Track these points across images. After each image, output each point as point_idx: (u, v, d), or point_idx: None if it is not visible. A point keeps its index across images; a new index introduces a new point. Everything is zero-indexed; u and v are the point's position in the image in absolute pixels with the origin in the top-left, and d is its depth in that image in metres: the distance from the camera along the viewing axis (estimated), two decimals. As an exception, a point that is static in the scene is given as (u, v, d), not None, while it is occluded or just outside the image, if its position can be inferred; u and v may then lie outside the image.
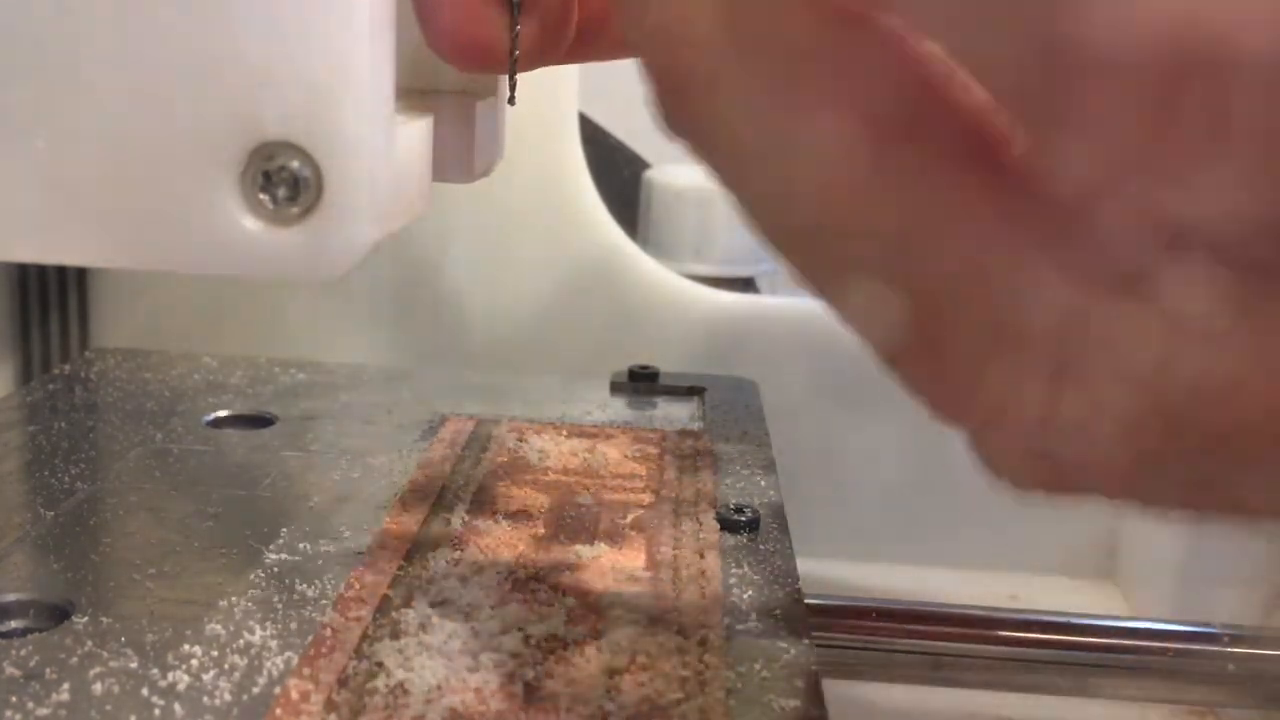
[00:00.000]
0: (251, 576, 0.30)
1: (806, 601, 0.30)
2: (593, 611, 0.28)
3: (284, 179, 0.19)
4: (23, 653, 0.25)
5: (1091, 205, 0.12)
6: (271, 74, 0.18)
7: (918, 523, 0.55)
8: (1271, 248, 0.11)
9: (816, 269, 0.14)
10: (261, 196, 0.19)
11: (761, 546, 0.33)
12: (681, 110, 0.15)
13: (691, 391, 0.47)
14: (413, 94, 0.28)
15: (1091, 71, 0.11)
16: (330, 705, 0.24)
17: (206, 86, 0.18)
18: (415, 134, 0.24)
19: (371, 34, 0.19)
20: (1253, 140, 0.11)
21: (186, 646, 0.26)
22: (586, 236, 0.58)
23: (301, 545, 0.31)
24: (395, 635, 0.26)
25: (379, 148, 0.19)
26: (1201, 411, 0.12)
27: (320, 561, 0.31)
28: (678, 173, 0.63)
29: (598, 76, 0.64)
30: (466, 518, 0.33)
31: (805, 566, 0.32)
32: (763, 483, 0.37)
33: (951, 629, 0.38)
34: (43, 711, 0.23)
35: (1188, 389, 0.12)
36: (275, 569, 0.30)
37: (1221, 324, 0.12)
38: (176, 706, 0.24)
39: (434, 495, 0.34)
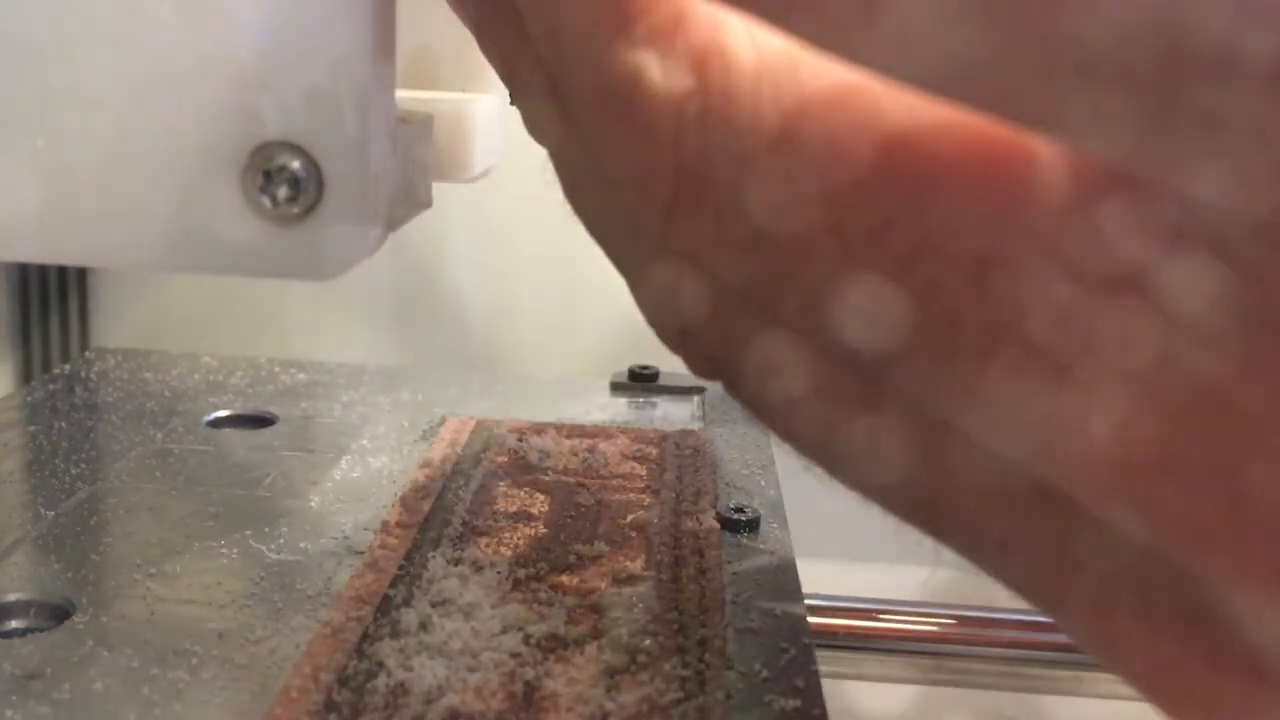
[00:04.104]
0: (252, 576, 0.30)
1: (806, 602, 0.30)
2: (593, 611, 0.28)
3: (284, 179, 0.19)
4: (24, 652, 0.26)
5: (1092, 205, 0.12)
6: (271, 74, 0.18)
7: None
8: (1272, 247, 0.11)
9: (814, 269, 0.14)
10: (261, 197, 0.19)
11: (761, 546, 0.33)
12: None
13: (691, 391, 0.47)
14: (413, 94, 0.28)
15: (1088, 71, 0.11)
16: (330, 704, 0.24)
17: (207, 87, 0.18)
18: (415, 134, 0.24)
19: (372, 34, 0.19)
20: (1251, 138, 0.11)
21: (187, 646, 0.26)
22: (587, 236, 0.58)
23: (302, 545, 0.32)
24: (395, 635, 0.26)
25: (379, 148, 0.19)
26: (1200, 411, 0.12)
27: (320, 561, 0.31)
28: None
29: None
30: (467, 518, 0.33)
31: (805, 566, 0.32)
32: (762, 482, 0.37)
33: (951, 629, 0.38)
34: (44, 710, 0.23)
35: (1186, 388, 0.12)
36: (275, 568, 0.30)
37: (1220, 324, 0.12)
38: (177, 706, 0.24)
39: (434, 495, 0.34)
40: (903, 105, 0.13)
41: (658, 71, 0.15)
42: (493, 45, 0.19)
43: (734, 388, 0.17)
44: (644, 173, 0.15)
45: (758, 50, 0.14)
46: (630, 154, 0.15)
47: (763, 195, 0.14)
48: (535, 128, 0.18)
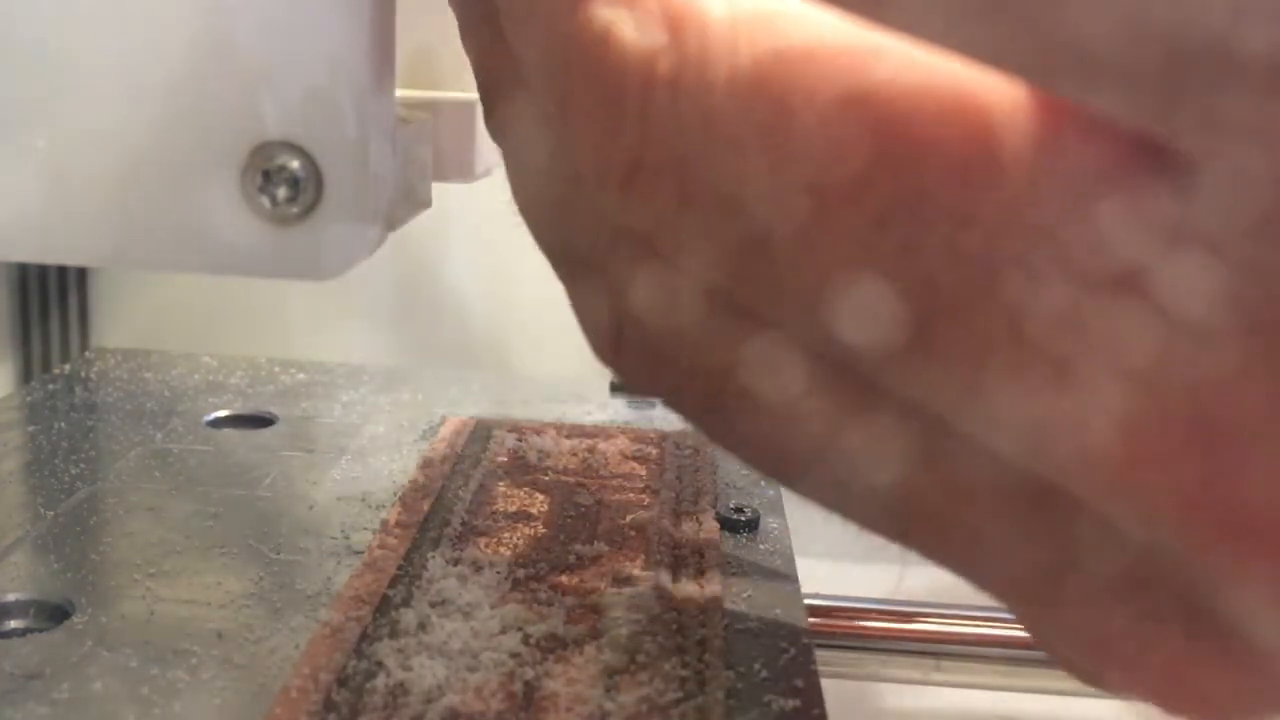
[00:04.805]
0: (251, 576, 0.30)
1: (806, 601, 0.30)
2: (592, 611, 0.28)
3: (284, 179, 0.19)
4: (23, 652, 0.25)
5: (1091, 201, 0.12)
6: (271, 74, 0.18)
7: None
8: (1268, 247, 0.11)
9: (813, 268, 0.14)
10: (261, 197, 0.19)
11: (761, 546, 0.33)
12: None
13: (691, 391, 0.47)
14: (413, 94, 0.28)
15: (1090, 70, 0.11)
16: (330, 704, 0.24)
17: (207, 86, 0.18)
18: (415, 134, 0.24)
19: (372, 34, 0.19)
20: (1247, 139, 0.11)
21: (186, 645, 0.26)
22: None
23: (301, 545, 0.32)
24: (395, 635, 0.26)
25: (379, 148, 0.19)
26: (1198, 409, 0.12)
27: (320, 561, 0.31)
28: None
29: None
30: (466, 517, 0.33)
31: (805, 566, 0.32)
32: (762, 482, 0.37)
33: (951, 629, 0.38)
34: (43, 710, 0.23)
35: (1184, 387, 0.12)
36: (275, 568, 0.30)
37: (1220, 322, 0.12)
38: (176, 705, 0.24)
39: (434, 495, 0.34)
40: (892, 72, 0.13)
41: (629, 26, 0.14)
42: (471, 39, 0.19)
43: (681, 396, 0.17)
44: (607, 138, 0.15)
45: (733, 11, 0.14)
46: (594, 119, 0.15)
47: (732, 160, 0.14)
48: (497, 123, 0.18)
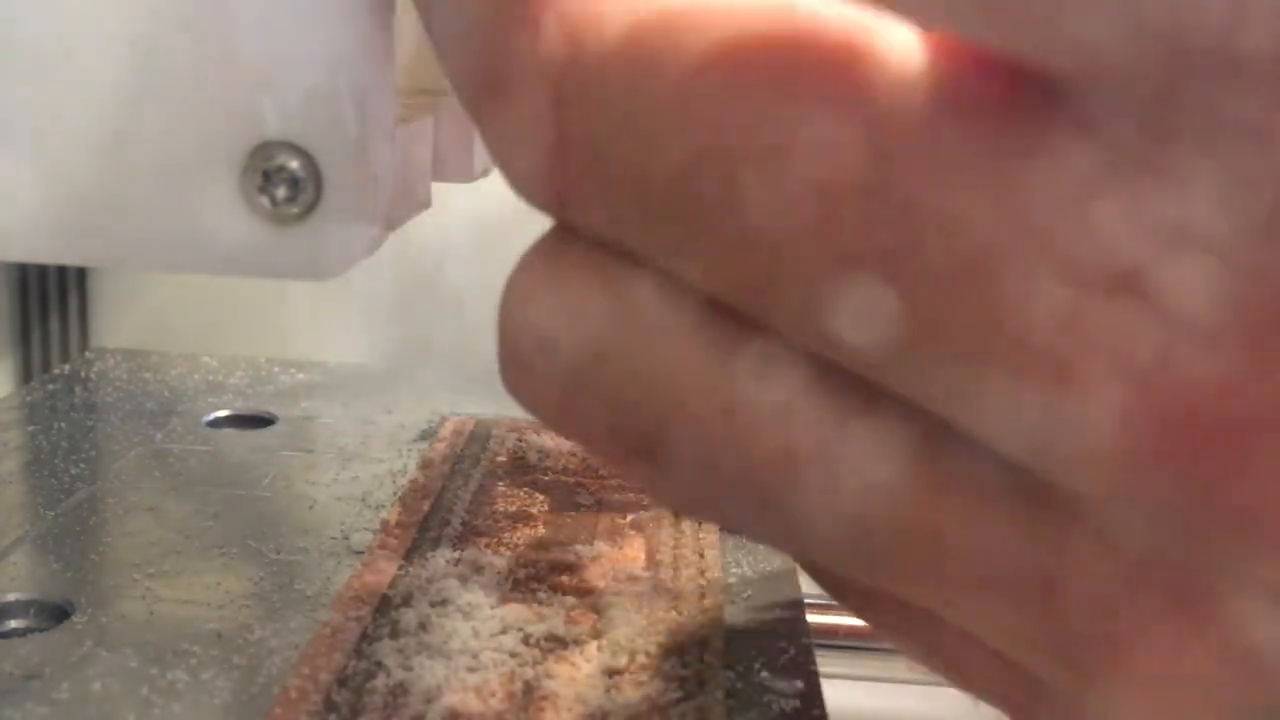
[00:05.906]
0: (251, 576, 0.30)
1: (806, 601, 0.30)
2: (592, 611, 0.28)
3: (283, 179, 0.19)
4: (23, 652, 0.25)
5: (1088, 202, 0.12)
6: (271, 74, 0.18)
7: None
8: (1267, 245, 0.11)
9: (810, 269, 0.14)
10: (260, 197, 0.19)
11: (761, 546, 0.33)
12: None
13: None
14: (413, 94, 0.28)
15: (1092, 67, 0.11)
16: (330, 704, 0.24)
17: (206, 86, 0.18)
18: (415, 134, 0.24)
19: (372, 34, 0.19)
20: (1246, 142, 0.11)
21: (186, 646, 0.26)
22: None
23: (301, 545, 0.32)
24: (395, 635, 0.26)
25: (379, 147, 0.19)
26: (1198, 409, 0.12)
27: (320, 561, 0.31)
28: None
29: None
30: (466, 517, 0.33)
31: (805, 566, 0.32)
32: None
33: (951, 629, 0.38)
34: (42, 710, 0.23)
35: (1185, 386, 0.12)
36: (275, 568, 0.30)
37: (1219, 321, 0.12)
38: (176, 706, 0.24)
39: (434, 495, 0.34)
40: (773, 20, 0.13)
41: (530, 52, 0.14)
42: None
43: (658, 430, 0.16)
44: (534, 163, 0.15)
45: (634, 13, 0.14)
46: (520, 152, 0.15)
47: (629, 140, 0.14)
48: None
